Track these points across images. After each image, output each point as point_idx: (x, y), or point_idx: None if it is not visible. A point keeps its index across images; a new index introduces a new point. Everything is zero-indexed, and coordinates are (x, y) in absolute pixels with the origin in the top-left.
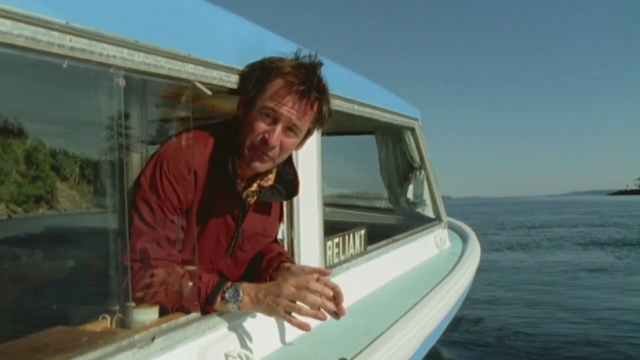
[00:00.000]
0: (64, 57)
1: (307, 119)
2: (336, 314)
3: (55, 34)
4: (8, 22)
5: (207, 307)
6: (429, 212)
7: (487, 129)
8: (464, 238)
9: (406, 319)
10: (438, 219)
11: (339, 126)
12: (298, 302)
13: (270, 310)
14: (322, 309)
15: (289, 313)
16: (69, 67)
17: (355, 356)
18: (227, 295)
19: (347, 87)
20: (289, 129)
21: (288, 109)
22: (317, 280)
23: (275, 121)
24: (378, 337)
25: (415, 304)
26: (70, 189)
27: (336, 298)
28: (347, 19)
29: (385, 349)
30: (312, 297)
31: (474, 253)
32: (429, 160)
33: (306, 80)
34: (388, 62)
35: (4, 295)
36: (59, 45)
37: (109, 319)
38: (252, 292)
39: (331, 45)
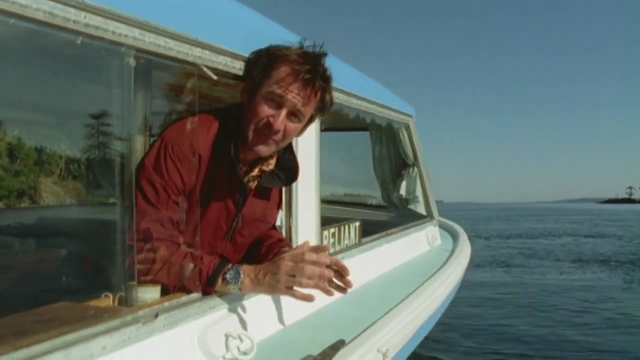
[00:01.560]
0: (79, 33)
1: (311, 106)
2: (343, 289)
3: (72, 10)
4: None
5: (208, 288)
6: (421, 209)
7: (482, 135)
8: (455, 237)
9: (401, 307)
10: (430, 216)
11: (335, 122)
12: (298, 277)
13: (271, 289)
14: (322, 281)
15: (291, 288)
16: (81, 44)
17: (353, 339)
18: (228, 276)
19: (346, 81)
20: (294, 114)
21: (294, 95)
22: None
23: (280, 106)
24: (375, 322)
25: (410, 294)
26: (55, 181)
27: (341, 272)
28: (343, 19)
29: (381, 334)
30: (309, 269)
31: (465, 251)
32: (422, 158)
33: (312, 68)
34: (378, 65)
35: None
36: (75, 22)
37: (111, 297)
38: (252, 274)
39: (327, 43)
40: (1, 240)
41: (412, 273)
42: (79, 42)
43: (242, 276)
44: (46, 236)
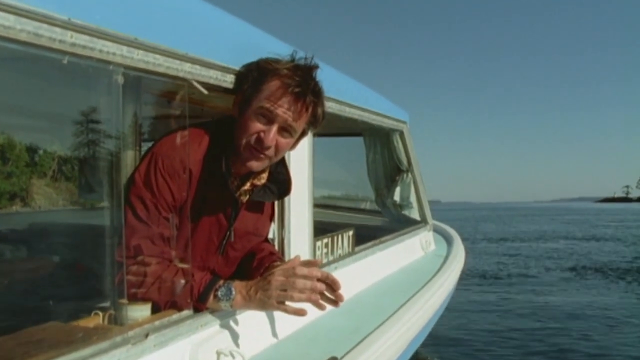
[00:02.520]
0: (65, 53)
1: (302, 121)
2: (334, 302)
3: (57, 29)
4: (11, 17)
5: (199, 305)
6: (415, 214)
7: (478, 133)
8: (448, 241)
9: (394, 319)
10: (424, 221)
11: (328, 127)
12: (289, 291)
13: (263, 305)
14: (314, 294)
15: (283, 303)
16: (68, 63)
17: (344, 355)
18: (219, 293)
19: (338, 89)
20: (284, 129)
21: (284, 110)
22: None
23: (270, 121)
24: (367, 336)
25: (403, 305)
26: (47, 186)
27: (332, 286)
28: (337, 21)
29: (374, 349)
30: (300, 282)
31: (459, 256)
32: (416, 163)
33: (302, 82)
34: (376, 63)
35: None
36: (60, 41)
37: (101, 315)
38: (243, 290)
39: (321, 47)
40: None
41: (406, 280)
42: (65, 61)
43: (234, 293)
44: (37, 242)
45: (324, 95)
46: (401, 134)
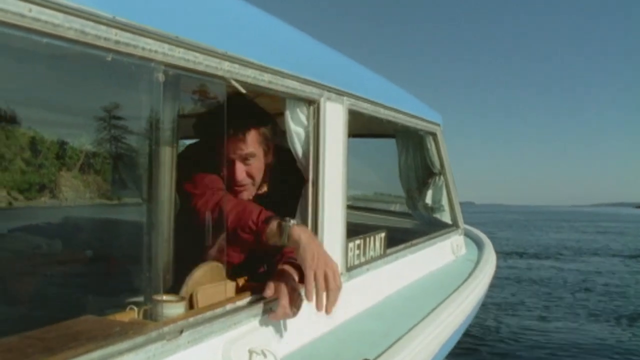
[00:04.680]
0: (109, 50)
1: (253, 143)
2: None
3: (103, 27)
4: (60, 15)
5: (262, 226)
6: (446, 218)
7: (515, 134)
8: (479, 245)
9: (425, 322)
10: (455, 225)
11: (361, 129)
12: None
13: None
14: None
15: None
16: (111, 60)
17: (376, 358)
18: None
19: (373, 90)
20: (245, 159)
21: (233, 149)
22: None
23: (232, 162)
24: (399, 339)
25: (434, 309)
26: (74, 178)
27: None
28: (369, 22)
29: (405, 352)
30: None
31: (490, 260)
32: (449, 167)
33: (230, 120)
34: (411, 66)
35: (28, 283)
36: (105, 39)
37: (136, 310)
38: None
39: (354, 47)
40: (29, 240)
41: (437, 284)
42: (109, 58)
43: (292, 222)
44: (71, 235)
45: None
46: (434, 136)
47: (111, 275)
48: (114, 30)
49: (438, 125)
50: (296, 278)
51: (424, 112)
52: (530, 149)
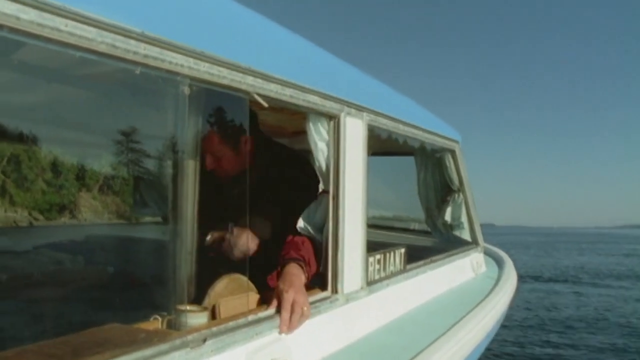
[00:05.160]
0: (138, 63)
1: (216, 142)
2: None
3: (132, 42)
4: (93, 30)
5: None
6: (466, 235)
7: (534, 155)
8: (499, 264)
9: (446, 337)
10: (475, 242)
11: (379, 147)
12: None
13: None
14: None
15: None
16: (140, 74)
17: None
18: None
19: (392, 106)
20: (213, 153)
21: (204, 149)
22: None
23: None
24: (419, 353)
25: (454, 325)
26: (93, 198)
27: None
28: (385, 39)
29: None
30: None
31: (511, 278)
32: (468, 184)
33: None
34: (430, 83)
35: (52, 297)
36: (134, 53)
37: (160, 320)
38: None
39: (372, 64)
40: (52, 256)
41: (457, 301)
42: (137, 71)
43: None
44: (94, 253)
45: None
46: (453, 153)
47: (134, 289)
48: (142, 45)
49: (457, 142)
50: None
51: (443, 129)
52: (554, 169)
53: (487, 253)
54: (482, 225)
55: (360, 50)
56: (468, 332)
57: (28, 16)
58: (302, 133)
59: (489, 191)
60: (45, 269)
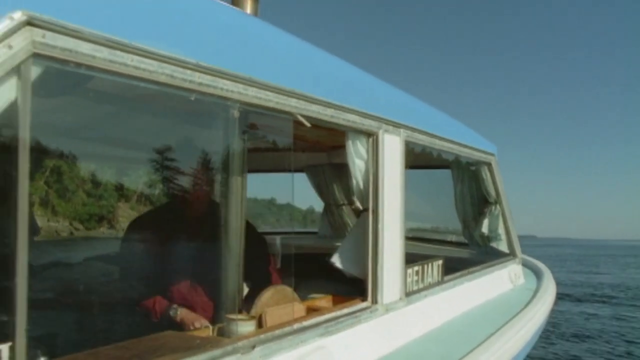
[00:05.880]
0: (193, 91)
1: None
2: None
3: (188, 71)
4: (155, 63)
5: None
6: (503, 247)
7: (581, 165)
8: (538, 275)
9: (483, 347)
10: (512, 254)
11: (416, 160)
12: None
13: None
14: None
15: None
16: (195, 100)
17: None
18: None
19: (428, 122)
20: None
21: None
22: None
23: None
24: (464, 356)
25: (492, 334)
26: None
27: None
28: (420, 50)
29: None
30: None
31: (550, 290)
32: (504, 196)
33: None
34: (465, 97)
35: (108, 305)
36: (190, 81)
37: (210, 327)
38: None
39: (406, 77)
40: (102, 268)
41: (494, 311)
42: (192, 98)
43: None
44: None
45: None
46: (489, 166)
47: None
48: (197, 74)
49: (493, 155)
50: None
51: (479, 142)
52: (601, 180)
53: (526, 265)
54: (523, 237)
55: (391, 62)
56: (506, 341)
57: (102, 54)
58: (340, 147)
59: (532, 203)
60: (98, 280)
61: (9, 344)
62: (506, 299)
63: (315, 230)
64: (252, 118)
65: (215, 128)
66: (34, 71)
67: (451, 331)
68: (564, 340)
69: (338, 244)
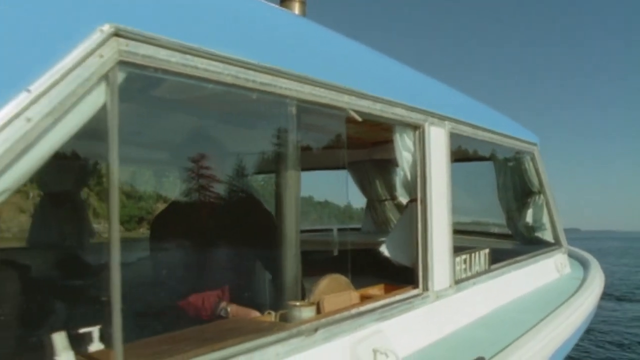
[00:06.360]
0: (255, 90)
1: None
2: None
3: (251, 72)
4: (220, 65)
5: None
6: (548, 236)
7: (624, 156)
8: (585, 265)
9: (536, 330)
10: (557, 243)
11: (458, 153)
12: None
13: None
14: None
15: None
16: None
17: (492, 357)
18: None
19: (471, 114)
20: None
21: None
22: None
23: None
24: (511, 343)
25: (542, 320)
26: None
27: None
28: (465, 43)
29: (518, 355)
30: None
31: (597, 278)
32: (547, 185)
33: None
34: (507, 88)
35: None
36: (253, 81)
37: (273, 314)
38: None
39: (450, 69)
40: (155, 267)
41: (543, 299)
42: (254, 97)
43: None
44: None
45: None
46: (532, 156)
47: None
48: (259, 74)
49: (535, 145)
50: None
51: (521, 132)
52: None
53: (572, 256)
54: (565, 230)
55: (434, 55)
56: (556, 327)
57: (175, 59)
58: (380, 143)
59: (574, 196)
60: (154, 279)
61: (99, 326)
62: (553, 287)
63: (358, 226)
64: (306, 116)
65: (274, 125)
66: (120, 77)
67: (500, 317)
68: (598, 347)
69: (382, 239)
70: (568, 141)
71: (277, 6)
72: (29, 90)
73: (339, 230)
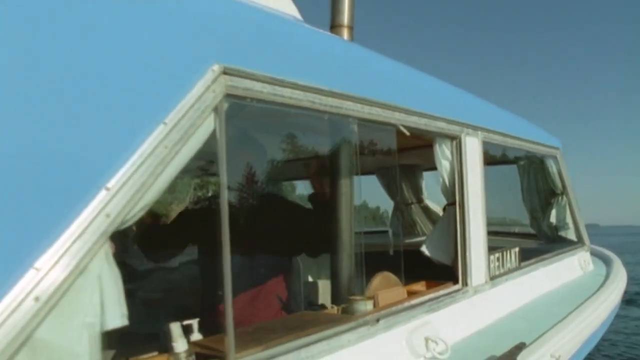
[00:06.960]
0: (326, 112)
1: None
2: None
3: (323, 97)
4: (301, 93)
5: None
6: (571, 235)
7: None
8: (607, 263)
9: (565, 322)
10: (580, 242)
11: (487, 158)
12: None
13: None
14: None
15: None
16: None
17: (531, 343)
18: None
19: (501, 123)
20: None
21: None
22: None
23: None
24: (547, 331)
25: (572, 312)
26: None
27: None
28: (484, 46)
29: (555, 340)
30: None
31: (620, 275)
32: (570, 186)
33: None
34: (528, 86)
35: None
36: (324, 105)
37: (335, 307)
38: None
39: (469, 74)
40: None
41: (570, 294)
42: (325, 117)
43: None
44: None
45: None
46: (555, 159)
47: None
48: (329, 99)
49: (558, 149)
50: None
51: (545, 138)
52: None
53: (594, 253)
54: (585, 226)
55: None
56: (585, 318)
57: (267, 90)
58: (406, 150)
59: (593, 191)
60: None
61: (197, 319)
62: (578, 283)
63: (385, 229)
64: (363, 131)
65: (339, 141)
66: (225, 107)
67: (533, 310)
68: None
69: (408, 240)
70: (589, 137)
71: (336, 36)
72: (165, 123)
73: (366, 233)
